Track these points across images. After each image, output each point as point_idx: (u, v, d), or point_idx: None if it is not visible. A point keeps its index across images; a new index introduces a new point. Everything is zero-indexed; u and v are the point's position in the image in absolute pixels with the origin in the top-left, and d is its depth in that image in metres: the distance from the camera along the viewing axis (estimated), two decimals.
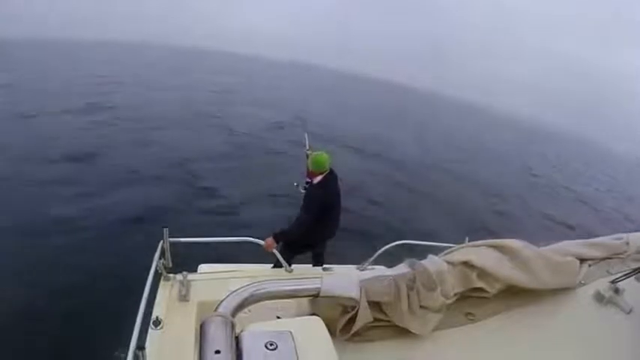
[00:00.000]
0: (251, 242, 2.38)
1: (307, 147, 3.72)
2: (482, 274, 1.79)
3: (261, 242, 2.49)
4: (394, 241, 2.50)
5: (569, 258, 1.98)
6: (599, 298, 1.91)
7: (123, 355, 1.10)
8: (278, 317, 1.65)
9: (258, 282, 1.49)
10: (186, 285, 1.61)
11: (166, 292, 1.60)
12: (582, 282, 1.98)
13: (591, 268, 2.07)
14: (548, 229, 9.64)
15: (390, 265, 1.96)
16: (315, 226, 2.87)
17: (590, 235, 2.49)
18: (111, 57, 32.66)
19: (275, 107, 18.98)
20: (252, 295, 1.43)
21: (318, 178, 3.00)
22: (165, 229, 1.65)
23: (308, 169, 3.09)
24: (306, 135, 3.95)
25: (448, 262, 1.83)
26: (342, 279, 1.66)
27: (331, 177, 3.03)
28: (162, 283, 1.66)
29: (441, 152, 17.15)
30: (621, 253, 2.20)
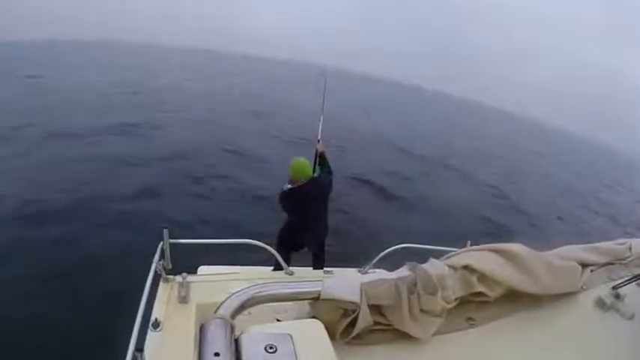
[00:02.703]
0: (251, 244, 2.37)
1: (319, 135, 3.57)
2: (484, 278, 1.78)
3: (263, 245, 2.47)
4: (396, 244, 2.48)
5: (571, 263, 1.97)
6: (601, 303, 1.90)
7: (121, 358, 1.10)
8: (278, 320, 1.64)
9: (259, 284, 1.49)
10: (185, 287, 1.60)
11: (166, 294, 1.59)
12: (584, 287, 1.97)
13: (593, 273, 2.06)
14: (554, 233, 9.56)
15: (391, 269, 1.95)
16: (299, 225, 2.94)
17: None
18: (117, 58, 32.83)
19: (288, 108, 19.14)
20: (252, 298, 1.42)
21: (288, 186, 3.06)
22: (165, 230, 1.64)
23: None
24: (321, 119, 3.68)
25: (449, 266, 1.83)
26: (343, 282, 1.65)
27: (305, 186, 3.04)
28: (161, 284, 1.65)
29: (447, 154, 17.02)
30: (624, 259, 2.19)
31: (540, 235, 8.73)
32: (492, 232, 8.28)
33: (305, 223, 3.20)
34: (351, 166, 10.32)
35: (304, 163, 3.07)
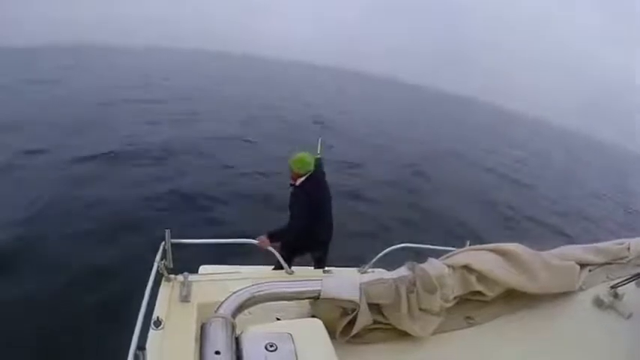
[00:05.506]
0: (252, 244, 2.39)
1: (319, 152, 3.61)
2: (482, 277, 1.79)
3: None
4: (396, 244, 2.49)
5: (569, 263, 1.98)
6: (599, 303, 1.91)
7: (123, 356, 1.11)
8: (278, 319, 1.65)
9: (259, 284, 1.50)
10: (187, 286, 1.62)
11: (167, 293, 1.61)
12: (582, 287, 1.98)
13: (591, 273, 2.07)
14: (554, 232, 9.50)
15: (391, 268, 1.96)
16: (308, 228, 2.89)
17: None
18: (138, 61, 32.86)
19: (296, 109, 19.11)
20: (252, 297, 1.44)
21: (302, 179, 3.00)
22: (167, 231, 1.66)
23: (292, 171, 3.02)
24: (319, 140, 3.77)
25: (448, 266, 1.84)
26: (343, 281, 1.67)
27: (316, 176, 3.04)
28: (163, 283, 1.67)
29: (449, 156, 16.91)
30: (622, 259, 2.20)
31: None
32: (492, 230, 8.26)
33: (321, 221, 3.10)
34: (352, 167, 10.32)
35: (307, 156, 3.04)
